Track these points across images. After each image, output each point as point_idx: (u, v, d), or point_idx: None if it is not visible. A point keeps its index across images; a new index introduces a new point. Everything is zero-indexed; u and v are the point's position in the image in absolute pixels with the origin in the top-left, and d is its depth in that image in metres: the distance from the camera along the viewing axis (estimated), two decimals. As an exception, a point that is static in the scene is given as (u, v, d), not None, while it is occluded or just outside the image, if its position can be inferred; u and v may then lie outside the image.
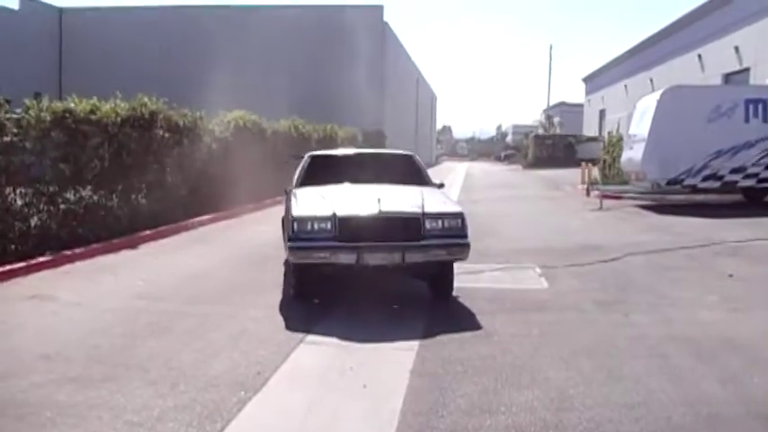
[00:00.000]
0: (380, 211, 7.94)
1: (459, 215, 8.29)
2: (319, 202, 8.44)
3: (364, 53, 45.57)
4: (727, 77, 31.90)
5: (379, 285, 9.35)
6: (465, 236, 8.21)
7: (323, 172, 10.02)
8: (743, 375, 5.92)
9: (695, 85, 27.16)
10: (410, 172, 10.34)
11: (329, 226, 7.89)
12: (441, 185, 10.44)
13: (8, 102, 10.73)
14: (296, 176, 10.31)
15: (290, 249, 7.99)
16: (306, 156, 10.98)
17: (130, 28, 46.85)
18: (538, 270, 10.70)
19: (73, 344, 6.54)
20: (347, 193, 8.91)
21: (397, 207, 8.16)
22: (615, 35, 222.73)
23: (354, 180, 9.55)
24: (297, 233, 7.95)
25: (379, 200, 8.07)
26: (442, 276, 8.56)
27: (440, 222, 8.11)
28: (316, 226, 7.94)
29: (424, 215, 8.06)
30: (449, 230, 8.13)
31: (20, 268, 9.83)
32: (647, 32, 43.80)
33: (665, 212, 19.52)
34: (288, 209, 8.44)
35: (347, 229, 7.87)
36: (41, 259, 10.38)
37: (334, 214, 7.92)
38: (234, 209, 18.03)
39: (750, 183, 20.35)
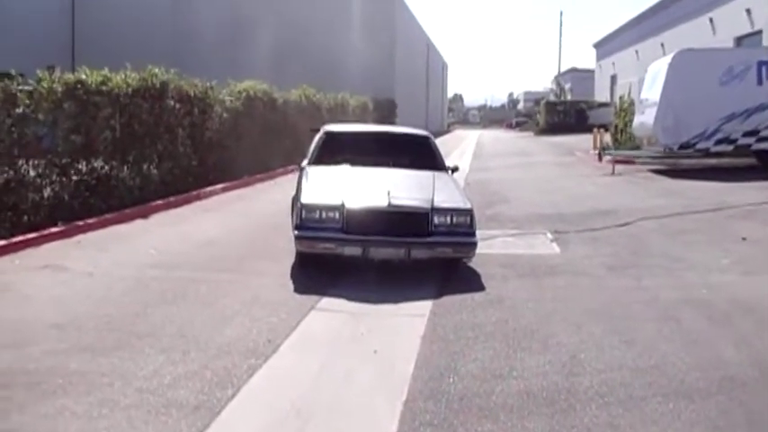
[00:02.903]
0: (390, 204, 7.89)
1: (469, 212, 8.18)
2: (329, 186, 8.40)
3: (374, 21, 45.26)
4: (739, 40, 31.47)
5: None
6: (473, 234, 8.13)
7: (337, 149, 9.94)
8: (756, 338, 5.90)
9: (707, 48, 26.72)
10: (425, 154, 10.21)
11: (337, 216, 7.85)
12: (455, 169, 10.38)
13: (21, 75, 10.71)
14: (311, 151, 10.20)
15: (297, 238, 7.99)
16: (321, 130, 10.83)
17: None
18: (550, 235, 10.67)
19: (84, 313, 6.55)
20: (358, 178, 8.83)
21: (406, 201, 8.07)
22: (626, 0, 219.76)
23: (368, 160, 9.50)
24: (304, 221, 7.92)
25: (388, 192, 8.01)
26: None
27: (448, 218, 8.03)
28: (323, 215, 7.91)
29: (433, 210, 7.97)
30: (457, 227, 8.06)
31: (32, 239, 9.82)
32: (658, -3, 43.03)
33: (678, 177, 19.39)
34: (298, 189, 8.37)
35: (354, 221, 7.83)
36: (54, 230, 10.37)
37: (343, 204, 7.86)
38: (245, 178, 17.99)
39: (763, 146, 20.09)
